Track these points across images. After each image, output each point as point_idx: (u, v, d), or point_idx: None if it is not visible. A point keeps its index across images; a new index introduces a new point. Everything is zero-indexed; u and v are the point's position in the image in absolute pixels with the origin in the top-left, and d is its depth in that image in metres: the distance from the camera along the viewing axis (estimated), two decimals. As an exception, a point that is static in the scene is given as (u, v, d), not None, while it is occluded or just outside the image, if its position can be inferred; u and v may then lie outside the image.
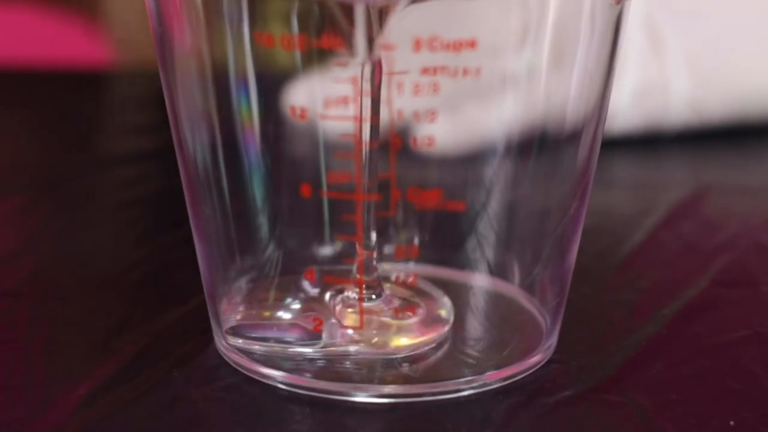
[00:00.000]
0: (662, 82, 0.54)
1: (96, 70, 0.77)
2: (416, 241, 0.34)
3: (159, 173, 0.52)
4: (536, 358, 0.33)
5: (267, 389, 0.32)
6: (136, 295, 0.38)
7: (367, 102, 0.31)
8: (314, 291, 0.33)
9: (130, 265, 0.41)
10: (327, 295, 0.33)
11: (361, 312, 0.32)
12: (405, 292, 0.34)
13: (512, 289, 0.35)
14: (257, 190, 0.34)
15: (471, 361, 0.32)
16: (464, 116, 0.34)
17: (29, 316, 0.37)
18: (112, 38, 0.88)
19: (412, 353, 0.32)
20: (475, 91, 0.32)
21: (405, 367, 0.31)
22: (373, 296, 0.32)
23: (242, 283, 0.34)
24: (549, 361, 0.33)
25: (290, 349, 0.32)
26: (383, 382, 0.31)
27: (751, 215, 0.47)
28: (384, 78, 0.31)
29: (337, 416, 0.31)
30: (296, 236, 0.34)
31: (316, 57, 0.31)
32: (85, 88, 0.69)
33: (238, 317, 0.34)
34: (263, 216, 0.34)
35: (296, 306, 0.33)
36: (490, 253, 0.34)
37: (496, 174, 0.34)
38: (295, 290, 0.34)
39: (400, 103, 0.32)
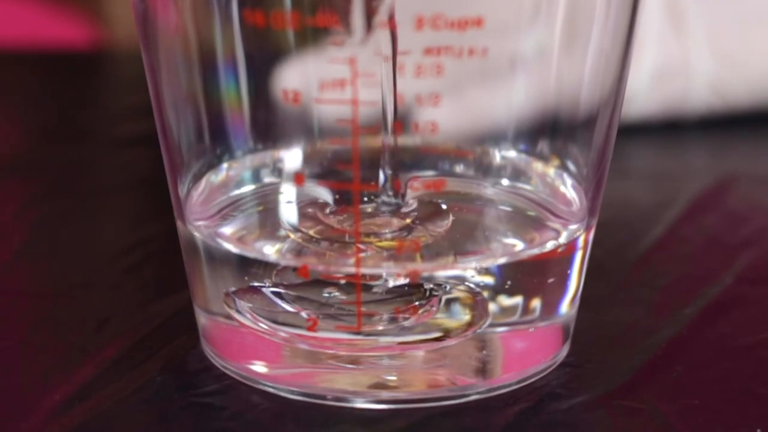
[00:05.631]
0: (683, 63, 0.54)
1: (75, 51, 0.77)
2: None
3: (144, 160, 0.52)
4: (547, 361, 0.33)
5: (258, 394, 0.32)
6: (117, 292, 0.38)
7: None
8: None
9: (111, 259, 0.41)
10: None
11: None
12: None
13: None
14: (245, 179, 0.34)
15: (477, 363, 0.32)
16: (470, 100, 0.34)
17: (0, 315, 0.37)
18: (107, 16, 0.88)
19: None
20: (482, 73, 0.32)
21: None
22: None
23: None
24: (561, 364, 0.33)
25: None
26: (383, 386, 0.31)
27: (778, 207, 0.47)
28: (382, 59, 0.31)
29: (334, 423, 0.31)
30: (288, 226, 0.34)
31: (310, 36, 0.31)
32: (57, 68, 0.69)
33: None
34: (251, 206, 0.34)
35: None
36: (498, 248, 0.34)
37: (504, 162, 0.34)
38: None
39: (401, 85, 0.31)
